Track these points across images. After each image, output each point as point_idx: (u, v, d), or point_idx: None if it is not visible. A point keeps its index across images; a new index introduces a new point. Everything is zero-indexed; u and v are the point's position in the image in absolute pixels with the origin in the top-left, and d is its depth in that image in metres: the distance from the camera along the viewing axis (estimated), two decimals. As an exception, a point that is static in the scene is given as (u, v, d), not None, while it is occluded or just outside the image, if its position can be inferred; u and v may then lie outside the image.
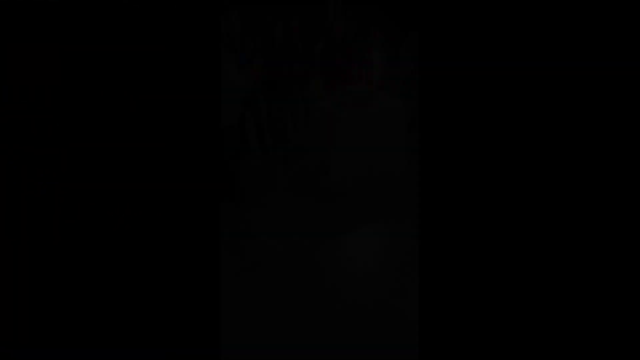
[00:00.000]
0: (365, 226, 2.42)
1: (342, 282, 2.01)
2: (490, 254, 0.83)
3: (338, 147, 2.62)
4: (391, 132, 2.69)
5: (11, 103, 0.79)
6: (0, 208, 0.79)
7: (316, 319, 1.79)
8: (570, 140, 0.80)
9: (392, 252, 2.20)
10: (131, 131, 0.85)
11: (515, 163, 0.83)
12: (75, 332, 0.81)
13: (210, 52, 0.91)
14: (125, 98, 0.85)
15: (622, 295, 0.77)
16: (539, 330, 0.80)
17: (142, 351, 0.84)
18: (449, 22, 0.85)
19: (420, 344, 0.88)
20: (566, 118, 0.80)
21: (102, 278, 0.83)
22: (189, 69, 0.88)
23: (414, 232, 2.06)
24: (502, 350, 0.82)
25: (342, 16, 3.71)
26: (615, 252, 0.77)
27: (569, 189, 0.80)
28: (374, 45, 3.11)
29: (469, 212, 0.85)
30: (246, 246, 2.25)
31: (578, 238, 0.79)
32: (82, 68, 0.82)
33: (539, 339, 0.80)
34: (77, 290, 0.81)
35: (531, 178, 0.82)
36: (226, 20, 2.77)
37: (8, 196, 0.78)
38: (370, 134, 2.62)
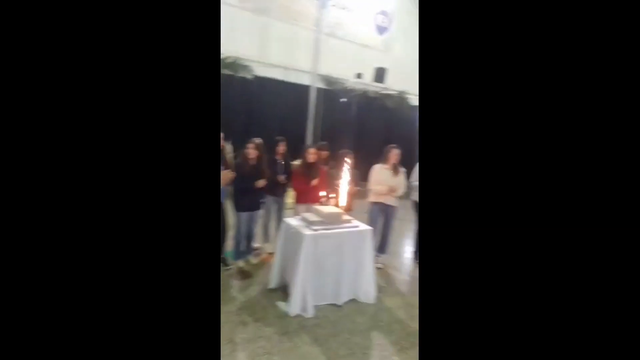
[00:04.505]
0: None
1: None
2: (489, 256, 0.83)
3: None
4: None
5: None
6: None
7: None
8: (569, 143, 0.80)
9: None
10: (131, 131, 0.82)
11: (515, 164, 0.82)
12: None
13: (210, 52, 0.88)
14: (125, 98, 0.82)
15: (622, 298, 0.76)
16: (539, 332, 0.80)
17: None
18: (448, 21, 0.87)
19: (420, 345, 0.87)
20: (565, 119, 0.80)
21: (101, 278, 0.80)
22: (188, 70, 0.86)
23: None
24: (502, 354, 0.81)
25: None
26: (615, 256, 0.77)
27: (568, 191, 0.80)
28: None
29: (468, 214, 0.84)
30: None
31: (576, 241, 0.79)
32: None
33: (539, 341, 0.79)
34: (75, 290, 0.79)
35: (532, 180, 0.81)
36: None
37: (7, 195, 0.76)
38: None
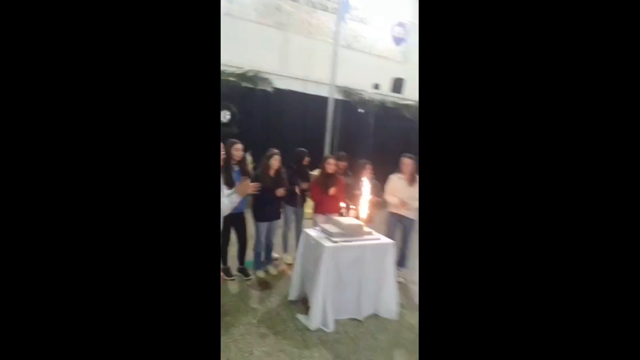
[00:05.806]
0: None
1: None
2: (489, 256, 0.83)
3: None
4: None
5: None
6: None
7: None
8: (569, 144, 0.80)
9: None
10: (131, 131, 0.82)
11: (516, 164, 0.82)
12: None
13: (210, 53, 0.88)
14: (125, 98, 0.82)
15: (622, 297, 0.76)
16: (538, 333, 0.80)
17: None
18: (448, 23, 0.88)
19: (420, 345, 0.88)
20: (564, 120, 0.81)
21: (100, 279, 0.80)
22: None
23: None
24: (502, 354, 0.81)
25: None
26: (614, 255, 0.77)
27: (568, 192, 0.80)
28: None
29: (468, 214, 0.84)
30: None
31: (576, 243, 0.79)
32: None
33: (538, 342, 0.80)
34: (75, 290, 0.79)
35: (533, 181, 0.81)
36: None
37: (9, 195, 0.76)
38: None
